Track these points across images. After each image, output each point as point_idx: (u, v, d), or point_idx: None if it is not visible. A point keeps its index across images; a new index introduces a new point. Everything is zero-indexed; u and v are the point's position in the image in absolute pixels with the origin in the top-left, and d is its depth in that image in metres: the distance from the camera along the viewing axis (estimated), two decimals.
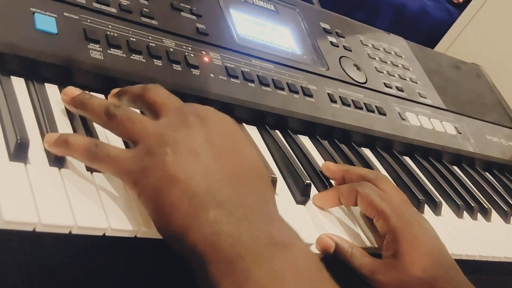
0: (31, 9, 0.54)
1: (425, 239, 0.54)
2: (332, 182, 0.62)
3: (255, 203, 0.42)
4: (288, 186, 0.59)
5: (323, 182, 0.61)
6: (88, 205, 0.42)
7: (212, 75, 0.63)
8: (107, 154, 0.43)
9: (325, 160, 0.67)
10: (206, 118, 0.45)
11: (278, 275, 0.38)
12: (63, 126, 0.49)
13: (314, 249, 0.53)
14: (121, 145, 0.50)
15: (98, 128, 0.50)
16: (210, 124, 0.45)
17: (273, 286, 0.38)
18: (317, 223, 0.56)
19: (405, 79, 0.90)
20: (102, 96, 0.55)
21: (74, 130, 0.50)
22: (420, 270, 0.51)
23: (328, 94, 0.74)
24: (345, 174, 0.60)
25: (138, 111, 0.48)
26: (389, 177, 0.73)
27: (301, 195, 0.58)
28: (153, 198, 0.41)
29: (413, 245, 0.52)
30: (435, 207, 0.70)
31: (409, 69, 0.93)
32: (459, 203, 0.74)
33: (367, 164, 0.71)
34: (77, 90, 0.49)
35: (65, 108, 0.51)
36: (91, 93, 0.51)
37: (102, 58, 0.56)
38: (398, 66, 0.91)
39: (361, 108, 0.77)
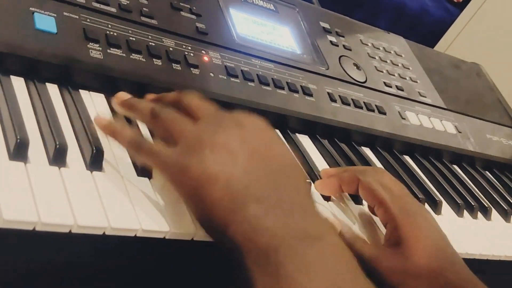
0: (30, 8, 0.54)
1: (429, 229, 0.53)
2: None
3: (292, 198, 0.44)
4: None
5: None
6: (88, 204, 0.42)
7: (212, 74, 0.63)
8: (150, 147, 0.46)
9: (325, 160, 0.68)
10: (240, 121, 0.48)
11: (306, 267, 0.40)
12: (64, 124, 0.49)
13: None
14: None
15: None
16: (245, 126, 0.47)
17: (301, 277, 0.40)
18: None
19: (405, 78, 0.90)
20: (101, 96, 0.56)
21: (73, 128, 0.50)
22: (425, 259, 0.51)
23: (328, 93, 0.74)
24: (344, 172, 0.60)
25: None
26: None
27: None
28: (194, 195, 0.44)
29: (416, 234, 0.52)
30: (435, 206, 0.70)
31: (409, 68, 0.93)
32: (459, 202, 0.74)
33: (367, 163, 0.71)
34: (127, 95, 0.53)
35: (64, 107, 0.51)
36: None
37: (102, 58, 0.56)
38: (398, 65, 0.91)
39: (361, 107, 0.77)
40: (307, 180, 0.58)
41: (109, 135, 0.49)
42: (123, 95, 0.53)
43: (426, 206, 0.70)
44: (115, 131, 0.48)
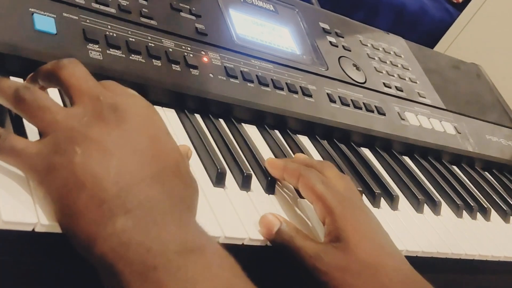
0: (30, 9, 0.54)
1: (369, 225, 0.51)
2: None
3: (168, 205, 0.40)
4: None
5: None
6: None
7: (211, 75, 0.63)
8: (12, 147, 0.39)
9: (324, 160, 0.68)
10: (123, 111, 0.42)
11: (191, 283, 0.36)
12: None
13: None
14: None
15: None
16: (127, 119, 0.41)
17: None
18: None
19: (405, 79, 0.90)
20: None
21: None
22: (365, 253, 0.48)
23: (328, 94, 0.74)
24: (291, 162, 0.57)
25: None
26: (389, 177, 0.73)
27: (299, 194, 0.58)
28: (58, 202, 0.38)
29: (356, 229, 0.49)
30: (435, 207, 0.71)
31: (408, 69, 0.93)
32: (458, 202, 0.74)
33: (366, 164, 0.71)
34: None
35: None
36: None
37: (101, 59, 0.56)
38: (397, 66, 0.91)
39: (360, 108, 0.77)
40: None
41: None
42: None
43: (426, 206, 0.70)
44: None
